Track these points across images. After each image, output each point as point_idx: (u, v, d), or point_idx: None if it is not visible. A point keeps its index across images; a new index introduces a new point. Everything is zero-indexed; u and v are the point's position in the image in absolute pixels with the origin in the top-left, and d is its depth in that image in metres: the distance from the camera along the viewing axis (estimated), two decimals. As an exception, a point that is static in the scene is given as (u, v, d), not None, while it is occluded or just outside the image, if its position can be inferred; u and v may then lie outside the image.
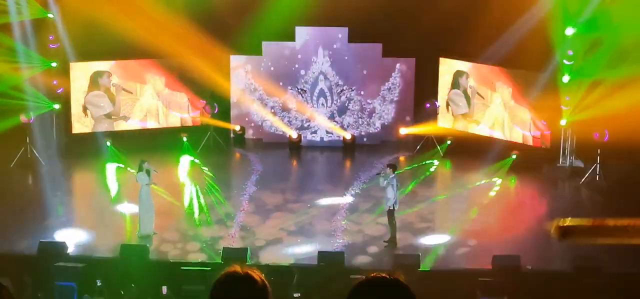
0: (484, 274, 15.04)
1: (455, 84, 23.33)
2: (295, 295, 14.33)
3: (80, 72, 22.66)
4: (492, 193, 19.78)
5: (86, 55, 22.39)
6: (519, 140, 22.20)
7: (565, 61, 20.78)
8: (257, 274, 3.60)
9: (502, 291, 14.60)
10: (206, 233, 17.23)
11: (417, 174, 21.32)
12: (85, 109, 22.78)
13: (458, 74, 23.23)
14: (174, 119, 23.66)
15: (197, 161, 21.78)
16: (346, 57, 23.99)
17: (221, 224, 17.66)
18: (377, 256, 16.21)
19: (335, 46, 23.93)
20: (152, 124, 23.47)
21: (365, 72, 24.02)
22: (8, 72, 20.95)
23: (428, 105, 23.56)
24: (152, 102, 23.40)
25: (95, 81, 22.78)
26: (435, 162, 22.44)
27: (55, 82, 22.30)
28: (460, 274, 15.47)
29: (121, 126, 23.17)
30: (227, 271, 3.60)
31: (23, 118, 21.49)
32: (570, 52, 20.74)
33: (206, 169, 21.28)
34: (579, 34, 20.50)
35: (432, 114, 23.58)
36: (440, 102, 23.62)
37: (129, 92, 23.12)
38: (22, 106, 21.44)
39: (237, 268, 3.61)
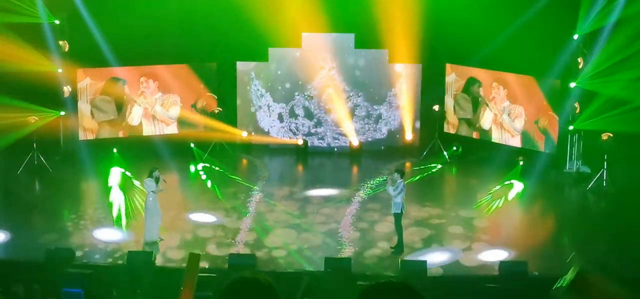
0: (491, 280, 15.01)
1: (466, 89, 23.19)
2: None
3: (87, 78, 22.62)
4: (499, 199, 19.70)
5: (94, 61, 22.40)
6: (525, 146, 22.13)
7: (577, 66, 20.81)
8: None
9: (509, 297, 14.55)
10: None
11: (423, 179, 21.31)
12: (91, 111, 22.74)
13: (471, 82, 23.08)
14: (175, 127, 23.61)
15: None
16: (352, 64, 23.97)
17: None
18: (384, 262, 16.20)
19: (341, 52, 23.90)
20: (156, 131, 23.43)
21: (371, 78, 23.97)
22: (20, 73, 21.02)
23: (435, 108, 23.51)
24: (155, 110, 23.36)
25: (109, 86, 22.73)
26: (439, 166, 22.46)
27: (65, 87, 22.27)
28: (467, 280, 15.44)
29: (127, 133, 23.12)
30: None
31: (31, 119, 21.47)
32: (579, 59, 20.72)
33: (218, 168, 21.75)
34: (586, 38, 20.52)
35: (439, 119, 23.54)
36: (446, 106, 23.55)
37: (134, 101, 23.09)
38: (29, 110, 21.45)
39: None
